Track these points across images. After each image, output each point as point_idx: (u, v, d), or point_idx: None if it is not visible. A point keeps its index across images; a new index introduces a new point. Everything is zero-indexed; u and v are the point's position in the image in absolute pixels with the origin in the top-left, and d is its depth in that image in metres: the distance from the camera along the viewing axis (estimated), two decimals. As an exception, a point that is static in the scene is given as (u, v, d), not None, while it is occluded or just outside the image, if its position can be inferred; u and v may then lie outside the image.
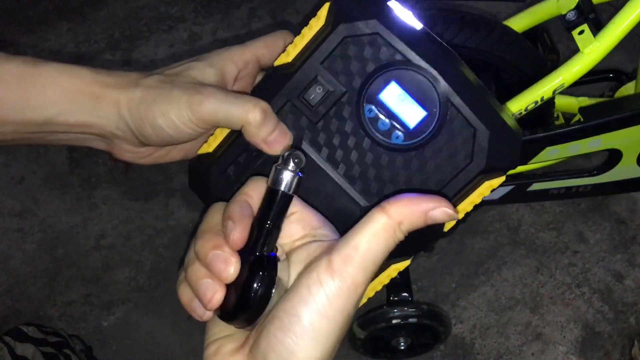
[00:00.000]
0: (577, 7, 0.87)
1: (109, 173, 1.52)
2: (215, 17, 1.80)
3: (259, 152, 0.38)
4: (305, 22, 0.37)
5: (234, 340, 0.33)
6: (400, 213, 0.31)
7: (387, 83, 0.35)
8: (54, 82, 0.38)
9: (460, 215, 0.36)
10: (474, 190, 0.36)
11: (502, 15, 1.44)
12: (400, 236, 0.31)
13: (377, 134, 0.36)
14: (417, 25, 0.36)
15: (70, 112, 0.38)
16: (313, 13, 0.37)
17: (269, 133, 0.37)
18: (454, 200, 0.37)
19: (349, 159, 0.37)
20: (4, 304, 1.33)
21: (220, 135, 0.40)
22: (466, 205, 0.37)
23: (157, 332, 1.28)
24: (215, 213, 0.35)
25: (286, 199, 0.33)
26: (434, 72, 0.34)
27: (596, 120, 0.91)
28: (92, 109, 0.38)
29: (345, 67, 0.36)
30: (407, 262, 0.39)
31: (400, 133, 0.36)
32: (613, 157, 1.00)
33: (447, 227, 0.37)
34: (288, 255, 0.34)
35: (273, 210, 0.33)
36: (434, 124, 0.35)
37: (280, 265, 0.33)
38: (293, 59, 0.38)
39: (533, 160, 0.95)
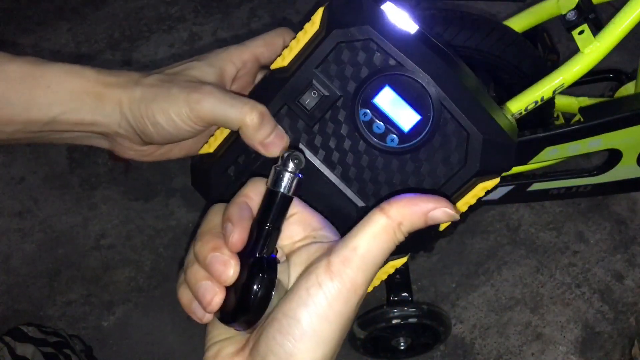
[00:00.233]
0: (577, 7, 0.88)
1: (109, 173, 1.52)
2: (215, 17, 1.80)
3: (258, 154, 0.38)
4: (304, 23, 0.38)
5: (235, 342, 0.33)
6: (400, 214, 0.31)
7: (380, 88, 0.36)
8: (58, 81, 0.38)
9: None
10: (468, 192, 0.37)
11: (502, 15, 1.44)
12: (401, 237, 0.31)
13: (372, 138, 0.37)
14: (412, 28, 0.36)
15: (74, 111, 0.39)
16: (308, 17, 0.37)
17: (266, 136, 0.37)
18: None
19: (345, 161, 0.37)
20: (4, 304, 1.33)
21: (220, 135, 0.40)
22: (461, 207, 0.37)
23: (157, 332, 1.28)
24: (214, 215, 0.35)
25: (286, 201, 0.33)
26: (427, 77, 0.35)
27: (596, 120, 0.91)
28: (95, 108, 0.39)
29: (340, 72, 0.36)
30: (404, 259, 0.39)
31: (394, 136, 0.36)
32: (613, 157, 1.00)
33: (442, 227, 0.37)
34: (288, 256, 0.34)
35: (273, 212, 0.33)
36: (427, 128, 0.36)
37: (280, 267, 0.33)
38: (289, 63, 0.38)
39: (533, 160, 0.95)
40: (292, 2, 1.82)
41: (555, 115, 1.09)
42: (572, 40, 0.86)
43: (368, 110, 0.36)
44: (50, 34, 1.79)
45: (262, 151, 0.37)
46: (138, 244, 1.40)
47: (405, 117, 0.36)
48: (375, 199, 0.37)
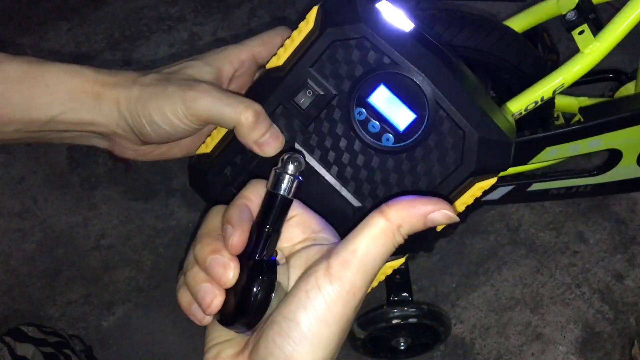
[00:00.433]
0: (577, 7, 0.88)
1: (109, 173, 1.52)
2: (215, 17, 1.80)
3: (255, 154, 0.38)
4: (301, 21, 0.38)
5: (234, 344, 0.33)
6: (399, 216, 0.30)
7: (375, 86, 0.35)
8: (57, 81, 0.38)
9: None
10: (465, 192, 0.36)
11: (502, 15, 1.44)
12: (400, 239, 0.31)
13: (368, 137, 0.36)
14: (407, 26, 0.35)
15: (73, 111, 0.39)
16: (303, 16, 0.37)
17: (260, 135, 0.37)
18: None
19: (340, 161, 0.37)
20: (4, 304, 1.33)
21: (217, 135, 0.40)
22: (458, 206, 0.37)
23: (157, 332, 1.28)
24: (214, 216, 0.35)
25: (286, 203, 0.33)
26: (421, 75, 0.34)
27: (596, 120, 0.91)
28: (93, 108, 0.39)
29: (334, 71, 0.36)
30: (401, 260, 0.39)
31: (390, 135, 0.36)
32: (613, 157, 1.00)
33: (439, 227, 0.37)
34: (288, 259, 0.34)
35: (272, 214, 0.33)
36: (423, 127, 0.35)
37: (279, 269, 0.33)
38: (284, 62, 0.38)
39: (533, 160, 0.95)
40: (292, 2, 1.82)
41: (555, 115, 1.09)
42: (572, 40, 0.86)
43: (363, 109, 0.36)
44: (50, 34, 1.79)
45: (257, 150, 0.37)
46: (138, 244, 1.40)
47: (401, 116, 0.36)
48: (372, 198, 0.37)
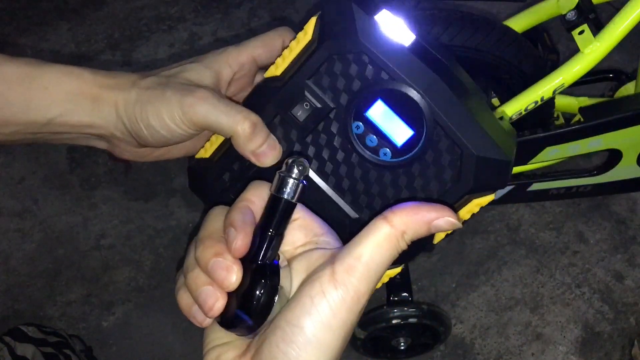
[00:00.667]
0: (577, 7, 0.88)
1: (109, 173, 1.52)
2: (215, 17, 1.80)
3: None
4: (303, 25, 0.37)
5: (234, 347, 0.32)
6: (404, 222, 0.30)
7: (373, 101, 0.35)
8: (56, 83, 0.38)
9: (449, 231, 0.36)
10: (461, 208, 0.36)
11: (502, 15, 1.44)
12: (403, 245, 0.31)
13: (365, 151, 0.36)
14: (407, 39, 0.35)
15: (72, 113, 0.39)
16: (306, 20, 0.37)
17: (257, 146, 0.37)
18: None
19: (338, 172, 0.37)
20: (4, 304, 1.33)
21: (216, 141, 0.40)
22: None
23: (157, 332, 1.28)
24: (215, 218, 0.35)
25: (289, 207, 0.33)
26: (419, 92, 0.34)
27: (596, 120, 0.91)
28: (92, 110, 0.39)
29: (332, 84, 0.36)
30: (399, 269, 0.39)
31: (388, 150, 0.36)
32: (613, 157, 1.00)
33: (437, 240, 0.37)
34: (289, 262, 0.34)
35: (276, 218, 0.32)
36: (421, 143, 0.35)
37: (281, 273, 0.33)
38: (282, 72, 0.37)
39: (533, 160, 0.95)
40: (292, 2, 1.82)
41: (555, 115, 1.09)
42: (572, 40, 0.86)
43: (361, 123, 0.36)
44: (50, 34, 1.79)
45: (254, 161, 0.37)
46: (138, 244, 1.40)
47: (398, 131, 0.35)
48: (369, 210, 0.37)
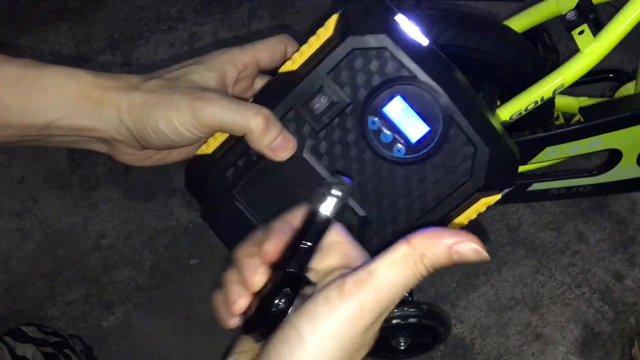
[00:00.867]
0: (577, 7, 0.88)
1: (109, 173, 1.52)
2: (215, 17, 1.80)
3: (259, 157, 0.38)
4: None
5: (248, 355, 0.32)
6: (423, 244, 0.29)
7: (392, 97, 0.36)
8: (55, 85, 0.38)
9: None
10: (470, 206, 0.37)
11: (502, 15, 1.44)
12: (423, 270, 0.30)
13: (379, 146, 0.37)
14: (424, 41, 0.36)
15: (71, 116, 0.38)
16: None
17: (272, 139, 0.37)
18: (451, 214, 0.37)
19: (349, 169, 0.37)
20: (4, 304, 1.33)
21: (220, 137, 0.40)
22: (462, 220, 0.38)
23: (157, 332, 1.28)
24: (263, 226, 0.35)
25: (325, 222, 0.33)
26: (440, 90, 0.35)
27: (596, 120, 0.91)
28: (92, 113, 0.38)
29: (352, 79, 0.36)
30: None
31: (401, 146, 0.36)
32: (613, 157, 1.00)
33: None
34: (319, 282, 0.34)
35: (311, 231, 0.33)
36: (435, 140, 0.36)
37: (308, 289, 0.33)
38: (298, 67, 0.38)
39: (533, 160, 0.95)
40: (291, 2, 1.82)
41: (555, 115, 1.09)
42: (572, 40, 0.86)
43: (377, 119, 0.36)
44: (50, 34, 1.79)
45: (271, 155, 0.37)
46: (138, 244, 1.40)
47: (414, 128, 0.36)
48: (377, 208, 0.37)
